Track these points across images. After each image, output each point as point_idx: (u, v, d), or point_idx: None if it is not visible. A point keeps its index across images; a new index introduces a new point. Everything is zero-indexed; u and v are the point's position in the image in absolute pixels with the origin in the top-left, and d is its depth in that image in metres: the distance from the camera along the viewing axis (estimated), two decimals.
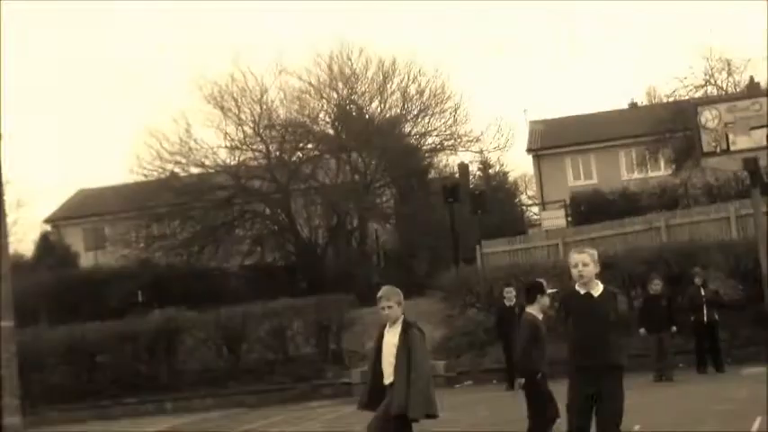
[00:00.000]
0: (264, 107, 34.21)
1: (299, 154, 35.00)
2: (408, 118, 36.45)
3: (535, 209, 46.16)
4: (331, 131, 36.19)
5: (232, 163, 34.46)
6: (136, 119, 71.37)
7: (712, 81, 32.52)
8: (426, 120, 36.53)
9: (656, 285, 17.22)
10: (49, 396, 21.08)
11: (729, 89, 31.97)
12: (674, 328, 17.07)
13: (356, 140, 34.20)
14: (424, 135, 37.01)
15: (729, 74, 32.52)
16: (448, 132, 36.62)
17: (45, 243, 39.37)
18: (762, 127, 17.66)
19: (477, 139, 36.88)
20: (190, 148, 33.88)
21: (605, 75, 78.42)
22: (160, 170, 34.11)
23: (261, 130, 34.23)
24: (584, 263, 7.47)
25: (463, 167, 33.52)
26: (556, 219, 35.81)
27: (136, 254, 34.40)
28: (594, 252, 7.65)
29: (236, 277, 33.01)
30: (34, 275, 29.53)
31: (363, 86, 35.90)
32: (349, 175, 34.69)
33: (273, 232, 34.70)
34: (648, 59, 74.09)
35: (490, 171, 48.37)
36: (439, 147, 37.43)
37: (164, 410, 21.11)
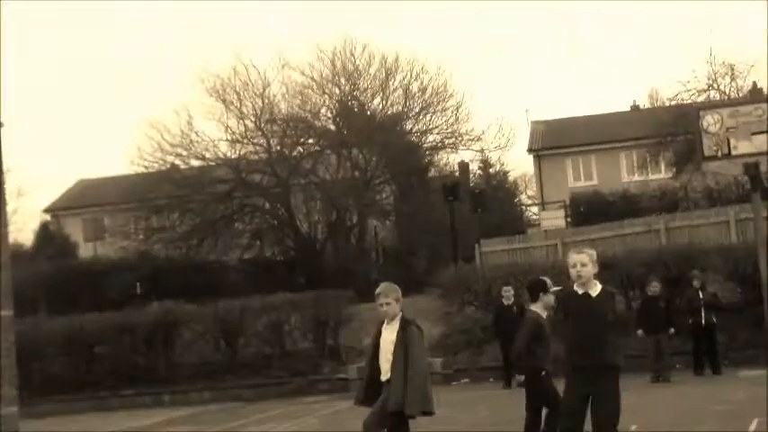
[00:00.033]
0: (266, 101, 34.24)
1: (300, 149, 35.02)
2: (410, 115, 36.49)
3: (535, 209, 46.21)
4: (332, 127, 36.20)
5: (233, 156, 34.48)
6: (137, 112, 71.50)
7: (715, 86, 32.52)
8: (428, 117, 36.60)
9: (655, 287, 17.25)
10: (47, 387, 21.10)
11: (732, 94, 31.97)
12: (672, 330, 17.11)
13: (357, 137, 34.22)
14: (425, 133, 37.05)
15: (733, 79, 32.55)
16: (449, 131, 36.69)
17: (45, 233, 39.36)
18: (763, 132, 17.66)
19: (478, 138, 36.94)
20: (191, 141, 33.92)
21: (606, 76, 78.57)
22: (161, 162, 34.14)
23: (262, 125, 34.24)
24: (582, 263, 7.49)
25: (464, 166, 33.58)
26: (555, 219, 35.84)
27: (135, 246, 34.44)
28: (593, 252, 7.67)
29: (235, 271, 33.01)
30: (33, 265, 29.51)
31: (366, 83, 35.96)
32: (349, 172, 34.71)
33: (273, 227, 34.72)
34: (649, 60, 74.16)
35: (490, 170, 48.42)
36: (440, 145, 37.47)
37: (161, 403, 21.12)
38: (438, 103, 36.16)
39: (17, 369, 5.26)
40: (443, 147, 37.52)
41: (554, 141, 43.40)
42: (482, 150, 39.39)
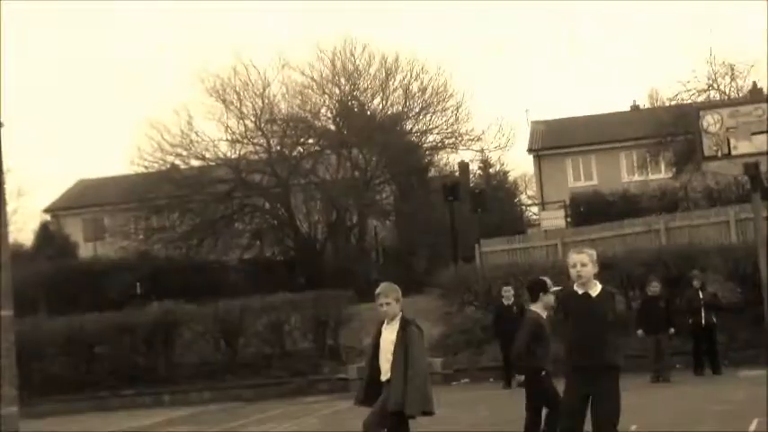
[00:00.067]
0: (266, 101, 34.24)
1: (300, 149, 35.02)
2: (410, 115, 36.49)
3: (535, 209, 46.21)
4: (332, 127, 36.20)
5: (233, 156, 34.49)
6: (137, 112, 71.50)
7: (715, 86, 32.52)
8: (428, 117, 36.61)
9: (655, 287, 17.26)
10: (47, 387, 21.10)
11: (733, 94, 31.96)
12: (672, 330, 17.11)
13: (357, 137, 34.22)
14: (425, 133, 37.05)
15: (733, 79, 32.54)
16: (449, 131, 36.69)
17: (45, 233, 39.36)
18: (763, 132, 17.66)
19: (478, 138, 36.94)
20: (191, 141, 33.92)
21: (606, 76, 78.59)
22: (161, 162, 34.15)
23: (262, 124, 34.24)
24: (582, 263, 7.48)
25: (464, 166, 33.59)
26: (555, 219, 35.83)
27: (135, 246, 34.44)
28: (593, 252, 7.67)
29: (235, 271, 33.00)
30: (33, 265, 29.51)
31: (366, 83, 35.96)
32: (349, 172, 34.71)
33: (273, 227, 34.73)
34: (649, 60, 74.17)
35: (490, 170, 48.44)
36: (440, 145, 37.47)
37: (161, 403, 21.12)
38: (438, 103, 36.19)
39: (17, 369, 5.26)
40: (443, 147, 37.54)
41: (554, 141, 43.40)
42: (482, 150, 39.44)
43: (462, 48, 76.29)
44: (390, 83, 35.75)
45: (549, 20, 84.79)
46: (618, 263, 19.98)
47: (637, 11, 75.94)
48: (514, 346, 9.60)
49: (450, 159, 38.78)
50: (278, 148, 34.19)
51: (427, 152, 37.84)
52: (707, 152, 18.35)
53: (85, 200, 45.13)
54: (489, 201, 30.59)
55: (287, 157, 33.97)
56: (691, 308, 17.38)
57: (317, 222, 34.95)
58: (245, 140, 34.47)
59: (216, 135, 34.33)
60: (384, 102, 36.13)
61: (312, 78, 35.33)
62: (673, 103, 33.46)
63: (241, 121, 34.25)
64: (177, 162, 34.34)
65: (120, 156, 71.16)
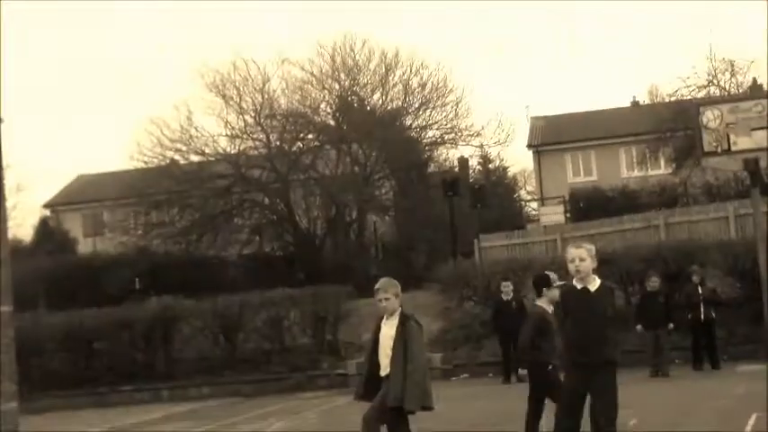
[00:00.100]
0: (266, 96, 34.24)
1: (300, 144, 35.02)
2: (409, 111, 36.50)
3: (534, 204, 46.21)
4: (332, 122, 36.20)
5: (232, 152, 34.49)
6: (137, 111, 71.46)
7: (715, 82, 32.50)
8: (427, 113, 36.61)
9: (654, 282, 17.27)
10: (46, 382, 21.09)
11: (732, 90, 31.93)
12: (671, 325, 17.12)
13: (357, 132, 34.21)
14: (424, 128, 37.06)
15: (733, 75, 32.52)
16: (449, 126, 36.69)
17: (44, 228, 39.38)
18: (763, 128, 17.65)
19: (478, 134, 36.96)
20: (190, 136, 33.94)
21: (606, 74, 78.60)
22: (160, 157, 34.17)
23: (262, 120, 34.25)
24: (581, 258, 7.47)
25: (463, 161, 33.67)
26: (554, 214, 35.83)
27: (134, 241, 34.46)
28: (592, 247, 7.66)
29: (234, 266, 33.02)
30: (33, 261, 29.50)
31: (365, 78, 35.95)
32: (349, 167, 34.72)
33: (272, 222, 34.74)
34: (649, 60, 74.12)
35: (490, 166, 48.49)
36: (439, 140, 37.47)
37: (160, 398, 21.12)
38: (438, 98, 36.20)
39: (17, 365, 5.25)
40: (443, 142, 37.53)
41: (553, 137, 43.39)
42: (482, 146, 39.51)
43: (462, 47, 76.33)
44: (390, 78, 35.77)
45: (549, 20, 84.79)
46: (617, 258, 19.98)
47: (637, 11, 75.92)
48: (519, 341, 9.63)
49: (449, 155, 38.87)
50: (277, 143, 34.19)
51: (427, 147, 37.84)
52: (706, 148, 18.34)
53: (85, 195, 45.14)
54: (489, 196, 30.66)
55: (286, 153, 33.96)
56: (690, 303, 17.40)
57: (317, 218, 34.96)
58: (245, 136, 34.48)
59: (215, 130, 34.39)
60: (384, 97, 36.16)
61: (312, 74, 35.37)
62: (672, 98, 33.44)
63: (241, 117, 34.30)
64: (177, 157, 34.39)
65: (120, 151, 71.13)
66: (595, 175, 41.27)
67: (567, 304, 7.65)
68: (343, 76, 35.62)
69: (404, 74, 35.68)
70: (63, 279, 28.83)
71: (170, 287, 24.50)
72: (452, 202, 26.55)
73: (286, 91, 34.94)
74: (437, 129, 36.90)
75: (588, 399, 7.46)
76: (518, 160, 54.97)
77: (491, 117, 40.46)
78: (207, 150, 34.16)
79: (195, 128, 33.91)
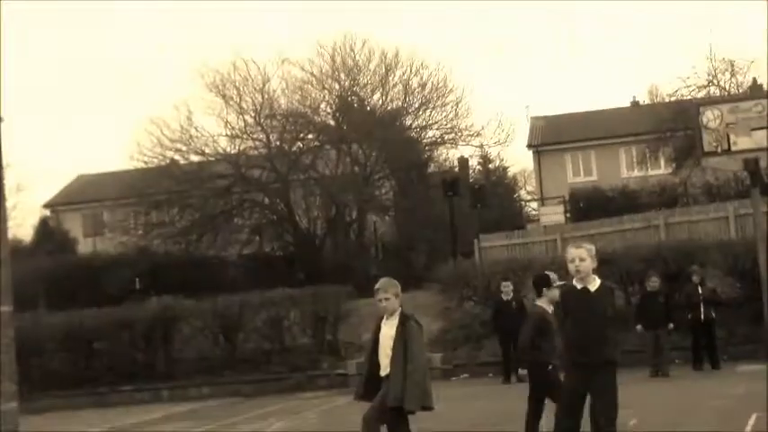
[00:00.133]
0: (266, 96, 34.24)
1: (300, 144, 35.01)
2: (409, 111, 36.49)
3: (534, 204, 46.21)
4: (332, 122, 36.19)
5: (232, 152, 34.49)
6: (137, 110, 71.47)
7: (715, 82, 32.49)
8: (427, 113, 36.60)
9: (654, 282, 17.27)
10: (46, 382, 21.08)
11: (732, 90, 31.93)
12: (671, 325, 17.12)
13: (357, 132, 34.21)
14: (424, 128, 37.06)
15: (733, 75, 32.51)
16: (449, 126, 36.69)
17: (44, 228, 39.37)
18: (763, 128, 17.65)
19: (478, 134, 36.95)
20: (190, 136, 33.94)
21: (606, 75, 78.61)
22: (160, 157, 34.16)
23: (262, 120, 34.24)
24: (581, 258, 7.47)
25: (463, 161, 33.67)
26: (554, 214, 35.82)
27: (134, 241, 34.46)
28: (592, 247, 7.65)
29: (234, 266, 33.01)
30: (33, 261, 29.50)
31: (365, 78, 35.94)
32: (349, 167, 34.71)
33: (272, 222, 34.73)
34: (649, 60, 74.14)
35: (490, 166, 48.49)
36: (439, 140, 37.47)
37: (160, 398, 21.12)
38: (438, 98, 36.19)
39: (17, 365, 5.25)
40: (443, 142, 37.53)
41: (553, 137, 43.39)
42: (481, 146, 39.50)
43: (462, 47, 76.33)
44: (390, 78, 35.77)
45: (549, 20, 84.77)
46: (617, 258, 19.97)
47: (637, 11, 75.92)
48: (519, 341, 9.63)
49: (449, 155, 38.86)
50: (277, 143, 34.19)
51: (427, 147, 37.83)
52: (706, 148, 18.34)
53: (85, 195, 45.13)
54: (488, 196, 30.66)
55: (286, 153, 33.96)
56: (690, 303, 17.40)
57: (317, 218, 34.96)
58: (245, 136, 34.48)
59: (215, 130, 34.39)
60: (384, 97, 36.16)
61: (312, 74, 35.37)
62: (672, 98, 33.44)
63: (241, 117, 34.30)
64: (177, 157, 34.38)
65: (120, 151, 71.16)
66: (595, 175, 41.26)
67: (567, 304, 7.64)
68: (343, 76, 35.63)
69: (404, 74, 35.74)
70: (63, 279, 28.83)
71: (170, 287, 24.49)
72: (452, 202, 26.54)
73: (286, 91, 34.99)
74: (437, 129, 36.94)
75: (588, 399, 7.47)
76: (518, 160, 55.02)
77: (491, 117, 40.56)
78: (207, 150, 34.19)
79: (195, 128, 33.95)
